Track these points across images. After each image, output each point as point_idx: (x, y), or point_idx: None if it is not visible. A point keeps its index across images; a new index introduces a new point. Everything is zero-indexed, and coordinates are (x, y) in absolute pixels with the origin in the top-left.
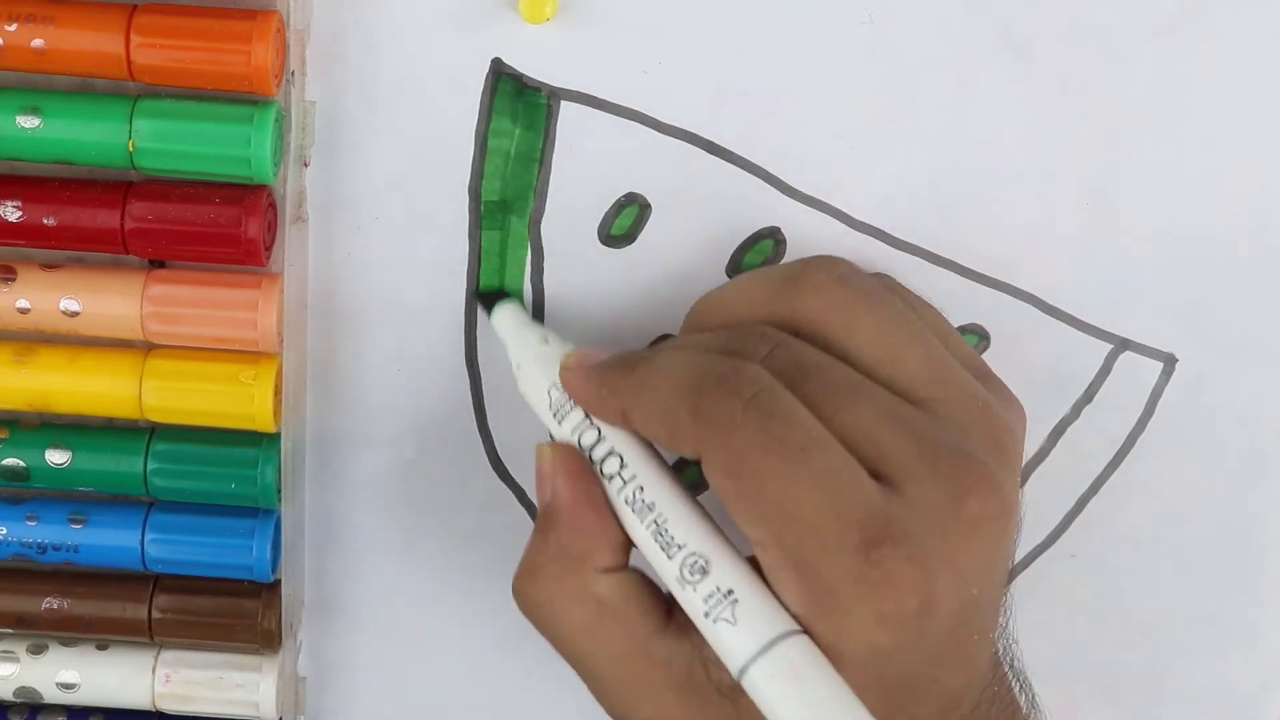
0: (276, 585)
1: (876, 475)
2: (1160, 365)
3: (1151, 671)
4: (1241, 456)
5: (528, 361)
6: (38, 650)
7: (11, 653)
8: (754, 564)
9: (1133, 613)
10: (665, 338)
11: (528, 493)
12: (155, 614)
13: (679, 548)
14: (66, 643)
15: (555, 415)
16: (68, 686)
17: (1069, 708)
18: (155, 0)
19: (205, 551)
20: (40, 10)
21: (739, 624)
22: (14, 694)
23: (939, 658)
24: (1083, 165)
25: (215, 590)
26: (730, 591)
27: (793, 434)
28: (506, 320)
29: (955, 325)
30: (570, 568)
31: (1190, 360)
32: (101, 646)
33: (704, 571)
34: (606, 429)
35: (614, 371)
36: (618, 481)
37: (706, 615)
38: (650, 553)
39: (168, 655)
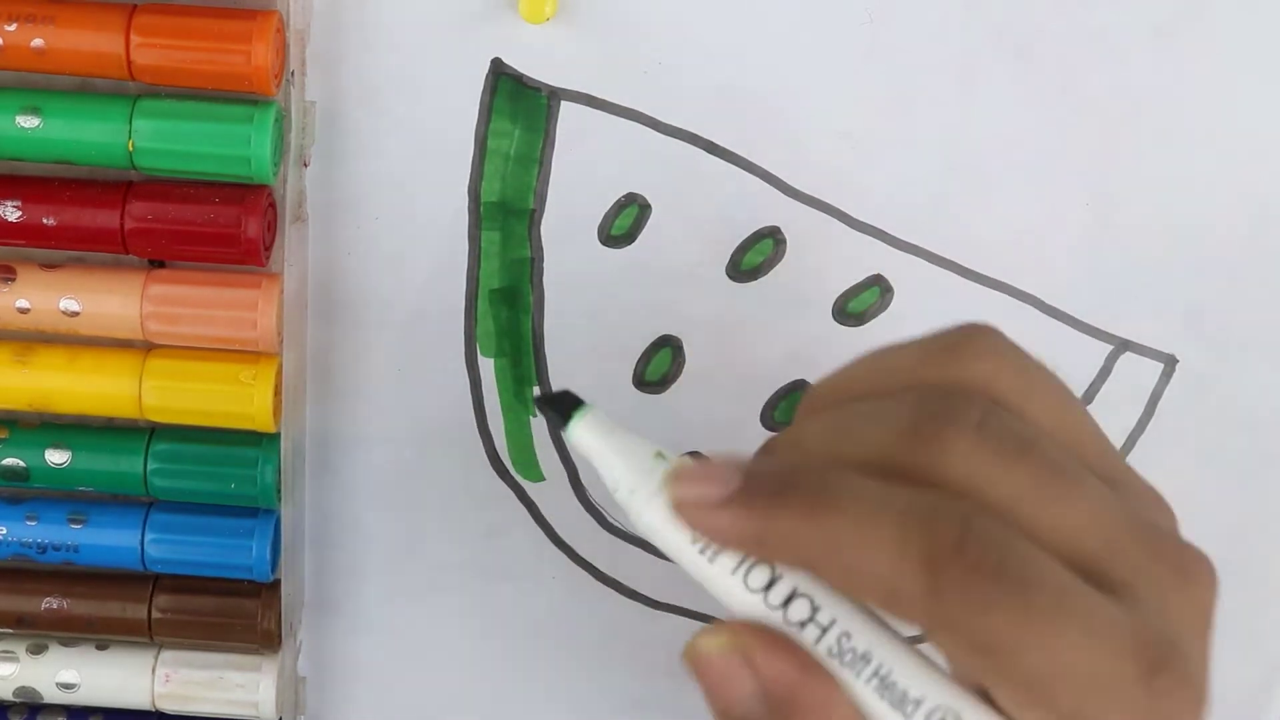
0: (276, 585)
1: (1100, 577)
2: (1160, 366)
3: None
4: (1241, 456)
5: (643, 489)
6: (38, 650)
7: (11, 653)
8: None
9: None
10: (665, 338)
11: (528, 492)
12: (155, 614)
13: (916, 703)
14: (66, 643)
15: (703, 552)
16: (68, 686)
17: None
18: (155, 0)
19: (205, 551)
20: (40, 10)
21: None
22: (14, 694)
23: None
24: (1083, 165)
25: (215, 590)
26: None
27: (1046, 596)
28: (596, 433)
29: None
30: None
31: (1190, 361)
32: (101, 646)
33: None
34: (789, 571)
35: (784, 511)
36: (812, 629)
37: None
38: (875, 712)
39: (168, 655)
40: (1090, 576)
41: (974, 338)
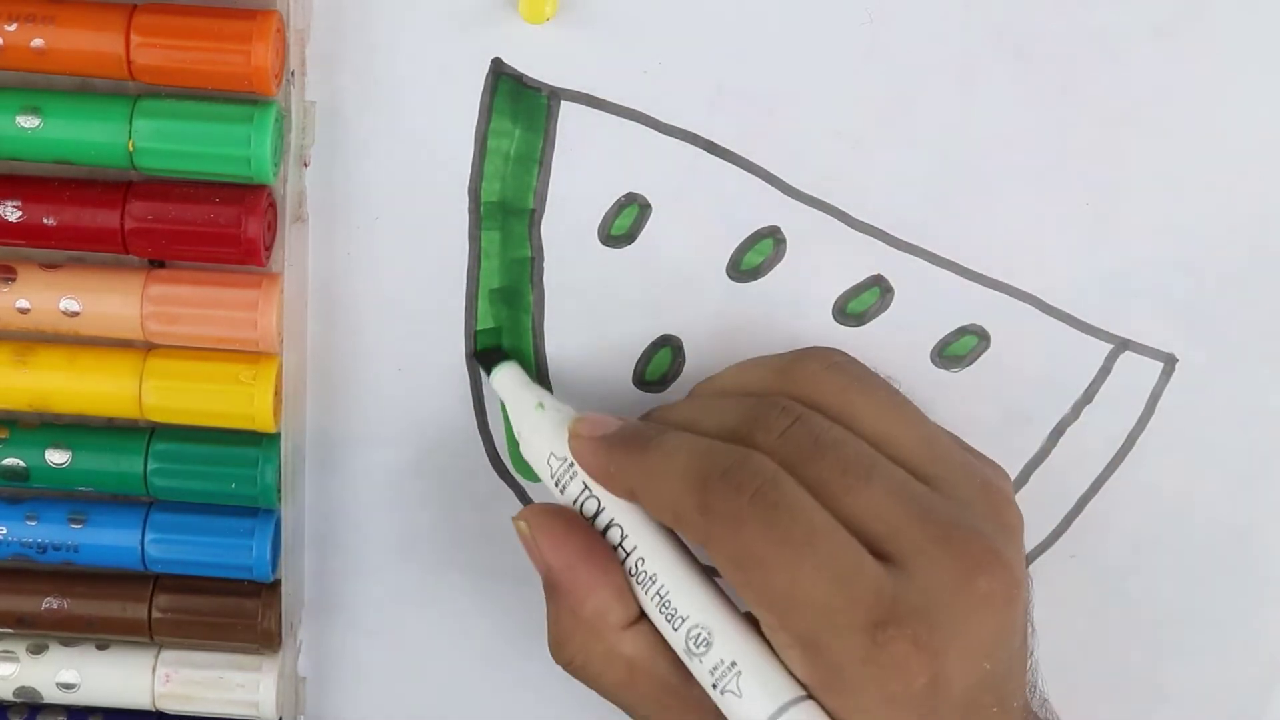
0: (276, 585)
1: (885, 554)
2: (1160, 365)
3: (1152, 671)
4: (1241, 456)
5: (527, 430)
6: (38, 650)
7: (11, 653)
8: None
9: (1133, 612)
10: (665, 338)
11: (528, 492)
12: (155, 614)
13: (682, 619)
14: (66, 643)
15: (556, 484)
16: (68, 686)
17: (1070, 707)
18: (155, 0)
19: (205, 551)
20: (40, 10)
21: (744, 696)
22: (14, 694)
23: None
24: (1083, 165)
25: (215, 590)
26: (734, 664)
27: (797, 525)
28: (506, 384)
29: (955, 325)
30: (591, 633)
31: (1190, 360)
32: (101, 646)
33: (708, 644)
34: (608, 499)
35: (624, 450)
36: (619, 553)
37: (714, 686)
38: (657, 623)
39: (168, 655)
40: (872, 550)
41: (803, 360)
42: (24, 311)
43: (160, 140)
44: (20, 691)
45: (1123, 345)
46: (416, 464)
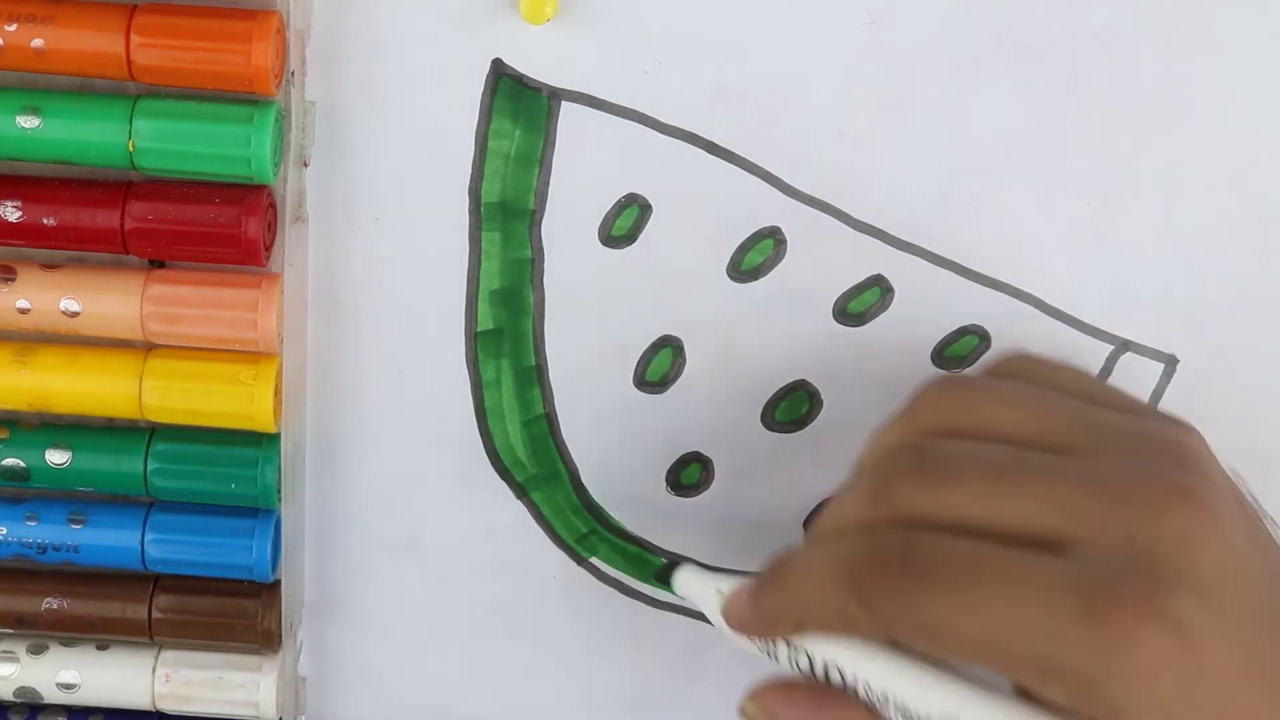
0: (276, 585)
1: (1064, 541)
2: (1161, 366)
3: None
4: (1241, 456)
5: (719, 621)
6: (38, 650)
7: (11, 653)
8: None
9: None
10: (665, 338)
11: (528, 491)
12: (155, 614)
13: (928, 717)
14: (66, 643)
15: (767, 655)
16: (68, 687)
17: None
18: (155, 0)
19: (205, 551)
20: (40, 10)
21: None
22: (14, 694)
23: (1248, 680)
24: (1083, 165)
25: (215, 590)
26: None
27: (955, 568)
28: (689, 589)
29: (955, 325)
30: None
31: (1191, 361)
32: (101, 646)
33: None
34: (806, 643)
35: (770, 591)
36: (849, 690)
37: None
38: None
39: (168, 655)
40: (1047, 547)
41: (929, 386)
42: (24, 311)
43: (160, 140)
44: (20, 691)
45: (1123, 346)
46: (416, 464)
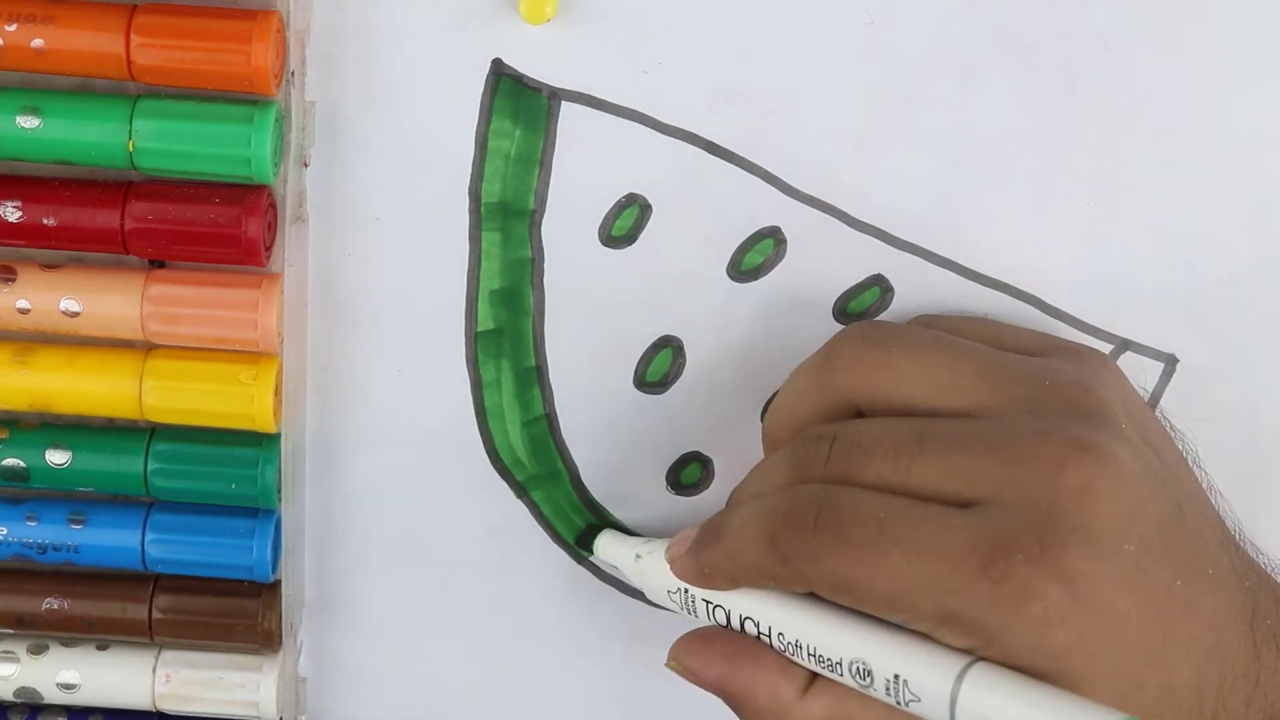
0: (276, 585)
1: (969, 502)
2: (1161, 366)
3: None
4: (1241, 456)
5: (638, 582)
6: (38, 650)
7: (11, 653)
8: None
9: None
10: (665, 338)
11: (528, 491)
12: (155, 614)
13: (838, 663)
14: (67, 643)
15: (687, 613)
16: (68, 687)
17: None
18: (155, 0)
19: (205, 551)
20: (40, 10)
21: (922, 697)
22: (14, 694)
23: (1145, 619)
24: (1083, 165)
25: (215, 590)
26: (897, 675)
27: (865, 526)
28: (607, 553)
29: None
30: (779, 717)
31: (1191, 360)
32: (101, 646)
33: (869, 672)
34: (725, 598)
35: (707, 547)
36: (765, 640)
37: (898, 705)
38: (826, 677)
39: (168, 655)
40: (961, 506)
41: (837, 348)
42: (24, 311)
43: (160, 140)
44: (20, 692)
45: (1123, 345)
46: (416, 464)
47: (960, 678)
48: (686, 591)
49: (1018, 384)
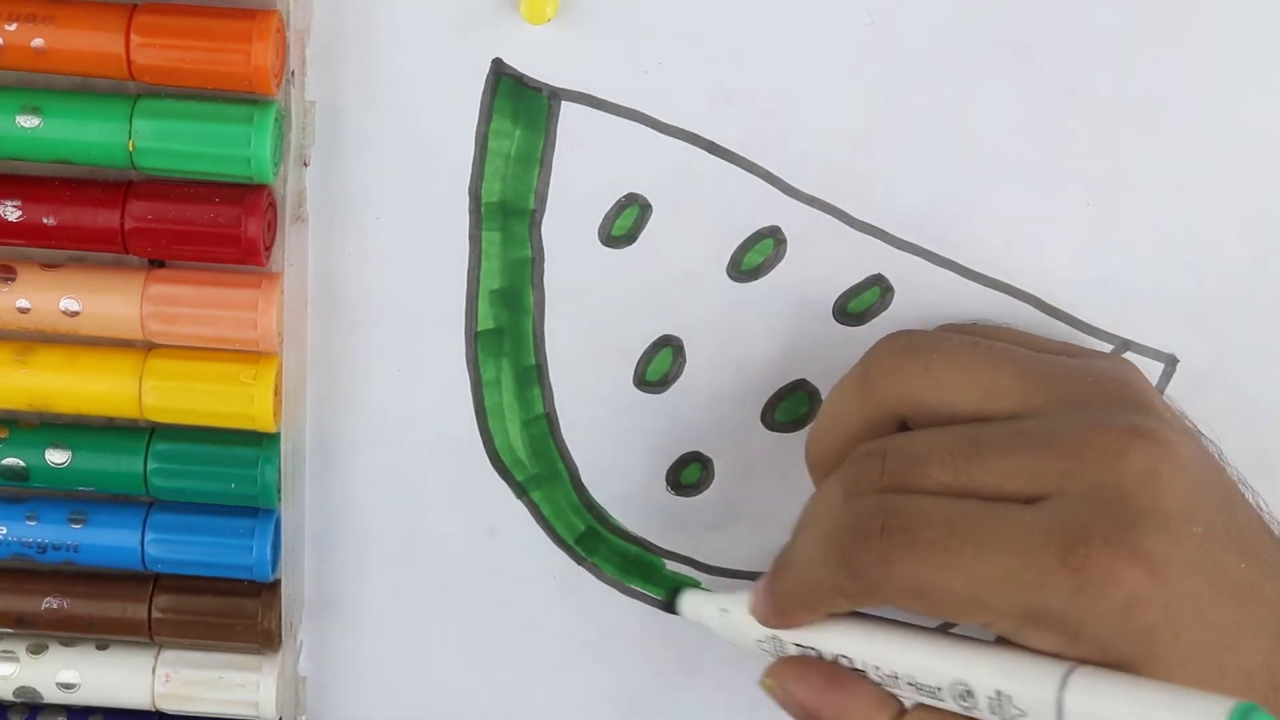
0: (276, 585)
1: (1040, 498)
2: (1161, 366)
3: None
4: (1241, 456)
5: (728, 637)
6: (38, 650)
7: (11, 653)
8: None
9: None
10: (665, 338)
11: (528, 491)
12: (155, 614)
13: (938, 689)
14: (66, 643)
15: (768, 651)
16: (68, 686)
17: None
18: (155, 0)
19: (205, 551)
20: (40, 10)
21: (1028, 711)
22: (14, 694)
23: (1219, 603)
24: (1083, 165)
25: (215, 590)
26: (999, 692)
27: (935, 529)
28: (694, 612)
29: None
30: None
31: (1191, 360)
32: (101, 646)
33: (969, 692)
34: (815, 638)
35: (778, 585)
36: (866, 674)
37: None
38: (931, 707)
39: (168, 655)
40: (1025, 504)
41: (875, 362)
42: (24, 311)
43: (160, 140)
44: (20, 691)
45: (1123, 345)
46: (416, 464)
47: (1063, 684)
48: (776, 638)
49: (1060, 382)
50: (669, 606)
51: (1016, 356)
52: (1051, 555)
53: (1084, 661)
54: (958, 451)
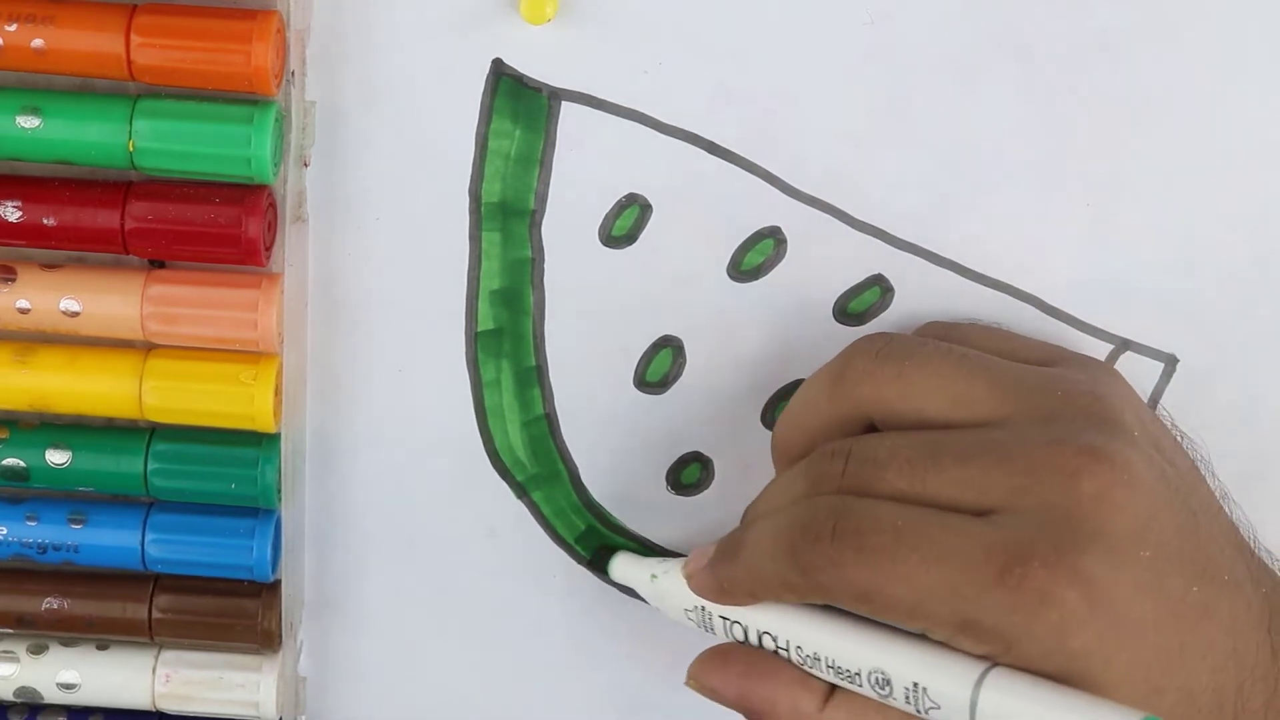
0: (276, 585)
1: (985, 511)
2: (1161, 366)
3: None
4: (1242, 457)
5: (655, 602)
6: (38, 650)
7: (11, 653)
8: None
9: None
10: (665, 338)
11: (528, 491)
12: (155, 614)
13: (857, 674)
14: (66, 643)
15: (704, 629)
16: (68, 686)
17: None
18: (155, 0)
19: (205, 551)
20: (40, 10)
21: (942, 704)
22: (14, 694)
23: (1163, 625)
24: (1083, 165)
25: (215, 590)
26: (916, 684)
27: (883, 535)
28: (623, 574)
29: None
30: None
31: (1191, 360)
32: (101, 646)
33: (888, 681)
34: (743, 614)
35: (724, 563)
36: (783, 655)
37: (919, 713)
38: (846, 689)
39: (168, 655)
40: (977, 515)
41: (850, 362)
42: (24, 311)
43: (160, 140)
44: (20, 691)
45: (1123, 345)
46: (416, 464)
47: (979, 683)
48: (703, 609)
49: (1031, 394)
50: (597, 566)
51: (991, 365)
52: (990, 570)
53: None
54: (916, 459)
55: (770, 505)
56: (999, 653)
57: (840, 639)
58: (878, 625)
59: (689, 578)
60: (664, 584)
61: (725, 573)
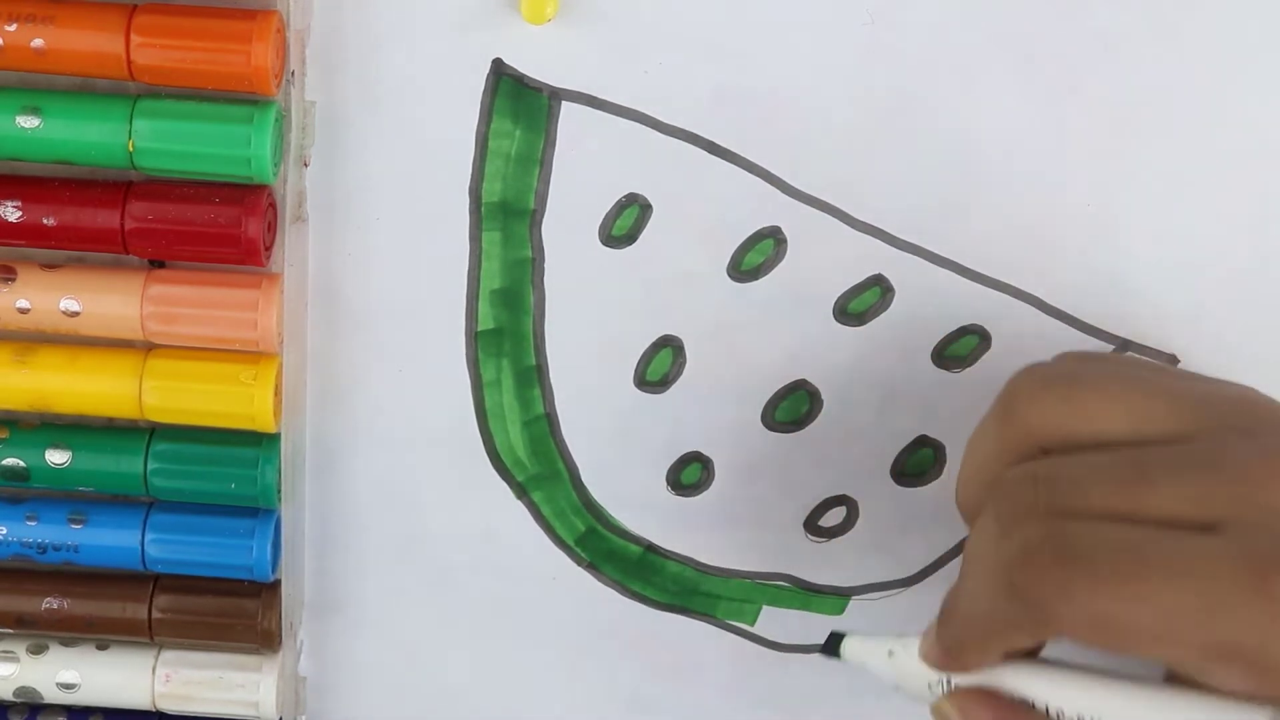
0: (276, 585)
1: (1213, 524)
2: None
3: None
4: None
5: (897, 680)
6: (38, 650)
7: (11, 653)
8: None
9: None
10: (665, 338)
11: (528, 491)
12: (155, 614)
13: None
14: (66, 643)
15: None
16: (68, 686)
17: None
18: (155, 0)
19: (205, 551)
20: (40, 10)
21: None
22: (14, 694)
23: None
24: (1083, 165)
25: (215, 590)
26: None
27: (1117, 557)
28: (857, 656)
29: (955, 325)
30: None
31: (1191, 361)
32: (101, 646)
33: None
34: (983, 681)
35: (944, 625)
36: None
37: None
38: None
39: (168, 655)
40: (1200, 531)
41: (1015, 393)
42: (24, 311)
43: (160, 140)
44: (20, 691)
45: (1123, 346)
46: (416, 464)
47: None
48: (949, 682)
49: (1209, 405)
50: (831, 650)
51: (1160, 381)
52: (1243, 584)
53: (1274, 701)
54: (1122, 476)
55: (973, 555)
56: (1256, 674)
57: (1096, 686)
58: (1132, 679)
59: (924, 657)
60: (903, 660)
61: (948, 633)
